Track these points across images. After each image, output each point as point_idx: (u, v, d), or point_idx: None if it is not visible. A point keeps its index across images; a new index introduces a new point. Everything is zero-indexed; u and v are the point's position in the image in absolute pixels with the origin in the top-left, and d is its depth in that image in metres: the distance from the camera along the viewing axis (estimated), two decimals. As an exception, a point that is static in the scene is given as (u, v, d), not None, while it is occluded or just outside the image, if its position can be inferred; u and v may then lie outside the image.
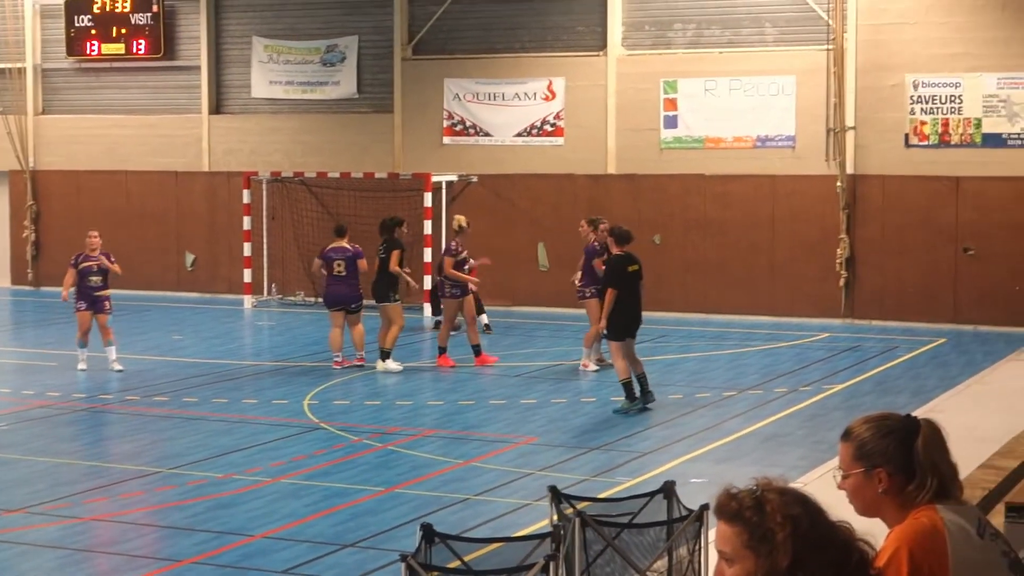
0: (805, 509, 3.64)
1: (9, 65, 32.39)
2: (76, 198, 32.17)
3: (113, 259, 21.00)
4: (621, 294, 17.47)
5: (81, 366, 20.58)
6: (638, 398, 17.49)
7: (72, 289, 20.92)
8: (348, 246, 20.93)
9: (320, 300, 23.59)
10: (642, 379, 17.61)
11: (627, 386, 17.49)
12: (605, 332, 17.89)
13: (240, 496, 13.34)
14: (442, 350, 21.11)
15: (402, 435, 15.90)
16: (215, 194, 30.81)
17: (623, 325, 17.52)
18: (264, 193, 30.10)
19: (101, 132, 32.06)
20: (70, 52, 32.18)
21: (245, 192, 29.59)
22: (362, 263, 20.74)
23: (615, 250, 18.04)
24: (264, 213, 29.98)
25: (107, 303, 20.81)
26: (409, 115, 29.44)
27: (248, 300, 28.71)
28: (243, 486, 13.71)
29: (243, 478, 14.03)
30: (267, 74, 30.67)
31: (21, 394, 18.90)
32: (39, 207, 32.57)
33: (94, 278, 20.68)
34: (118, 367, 20.46)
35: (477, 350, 21.17)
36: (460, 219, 21.51)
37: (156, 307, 28.91)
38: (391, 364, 20.45)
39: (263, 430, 16.58)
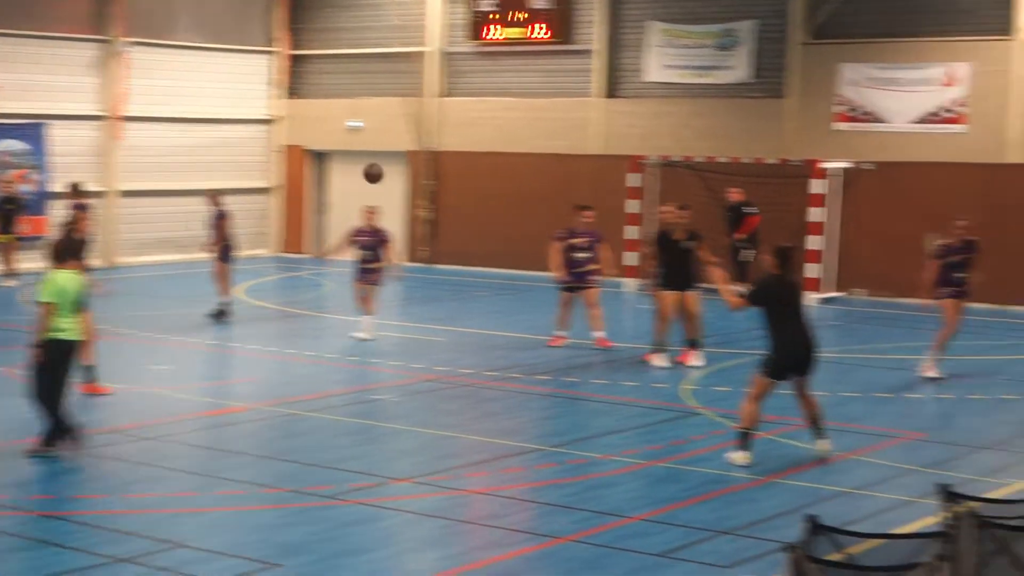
0: None
1: (414, 48, 33.50)
2: (471, 179, 33.03)
3: (387, 235, 22.17)
4: None
5: (360, 335, 21.66)
6: None
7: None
8: None
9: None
10: None
11: None
12: None
13: (618, 477, 13.34)
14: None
15: (781, 424, 15.59)
16: (603, 177, 31.01)
17: None
18: (654, 177, 30.10)
19: (496, 115, 32.81)
20: (472, 36, 33.03)
21: (633, 176, 29.70)
22: None
23: None
24: (652, 198, 29.99)
25: (372, 275, 21.97)
26: (802, 100, 28.93)
27: (632, 283, 28.74)
28: (621, 467, 13.71)
29: (621, 459, 14.03)
30: (662, 58, 30.71)
31: (410, 367, 19.49)
32: (437, 187, 33.57)
33: (363, 252, 21.99)
34: (360, 336, 21.56)
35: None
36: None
37: (540, 288, 29.32)
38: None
39: (642, 413, 16.57)
